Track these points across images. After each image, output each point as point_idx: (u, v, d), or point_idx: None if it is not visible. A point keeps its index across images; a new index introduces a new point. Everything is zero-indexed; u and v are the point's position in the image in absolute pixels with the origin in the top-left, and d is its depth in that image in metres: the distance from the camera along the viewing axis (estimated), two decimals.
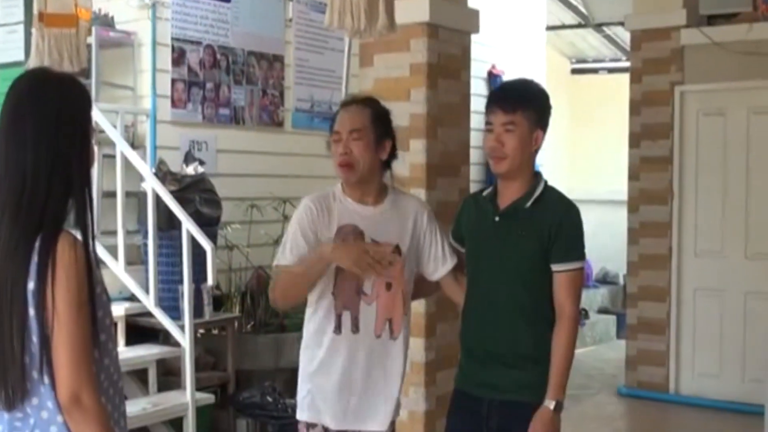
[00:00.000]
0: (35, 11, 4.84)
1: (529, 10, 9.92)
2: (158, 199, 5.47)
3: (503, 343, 2.92)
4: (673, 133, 6.91)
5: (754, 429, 5.57)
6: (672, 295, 6.93)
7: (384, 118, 3.03)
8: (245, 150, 6.97)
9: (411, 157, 4.76)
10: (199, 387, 5.48)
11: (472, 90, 5.11)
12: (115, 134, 5.65)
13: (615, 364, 7.95)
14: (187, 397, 5.31)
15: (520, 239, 2.90)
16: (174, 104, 6.53)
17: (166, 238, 5.62)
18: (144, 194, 5.59)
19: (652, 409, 6.82)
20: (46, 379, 1.95)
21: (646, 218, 7.05)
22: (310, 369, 2.98)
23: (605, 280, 10.67)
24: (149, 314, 5.55)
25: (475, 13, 5.04)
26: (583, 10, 10.50)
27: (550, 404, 2.84)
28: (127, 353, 5.42)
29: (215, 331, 6.36)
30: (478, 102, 4.55)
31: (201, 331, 6.07)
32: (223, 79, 6.89)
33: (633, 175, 7.16)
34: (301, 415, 3.01)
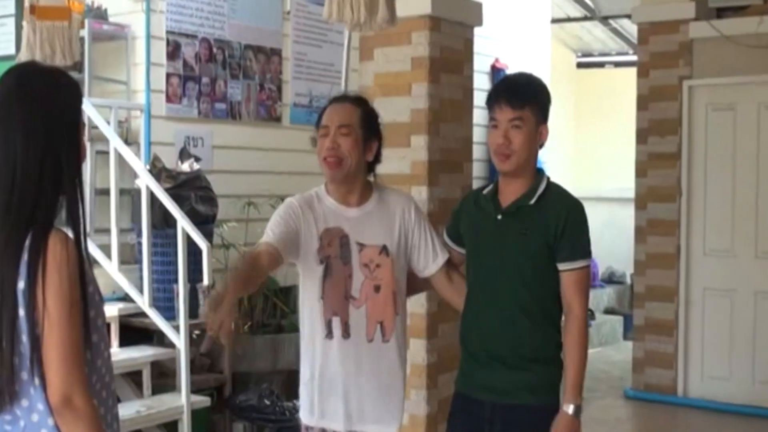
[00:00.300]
0: (26, 3, 4.85)
1: (534, 3, 9.92)
2: (153, 197, 5.47)
3: (507, 344, 2.91)
4: (682, 129, 6.90)
5: None
6: (680, 295, 6.92)
7: (373, 120, 3.03)
8: (242, 146, 6.97)
9: (412, 154, 4.75)
10: (195, 389, 5.48)
11: (475, 85, 5.11)
12: (108, 130, 5.65)
13: (622, 366, 7.95)
14: (182, 400, 5.31)
15: (523, 237, 2.89)
16: (169, 99, 6.52)
17: (161, 236, 5.62)
18: (138, 191, 5.59)
19: (659, 413, 6.82)
20: (37, 381, 1.94)
21: (653, 216, 7.04)
22: (307, 375, 2.98)
23: (612, 279, 10.66)
24: (143, 315, 5.55)
25: (478, 6, 5.04)
26: (589, 2, 10.50)
27: (568, 408, 2.83)
28: (120, 354, 5.42)
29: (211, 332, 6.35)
30: (480, 97, 4.53)
31: (196, 332, 6.06)
32: (220, 74, 6.89)
33: (640, 172, 7.15)
34: (304, 418, 3.02)
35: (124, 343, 5.63)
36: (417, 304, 4.51)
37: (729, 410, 6.58)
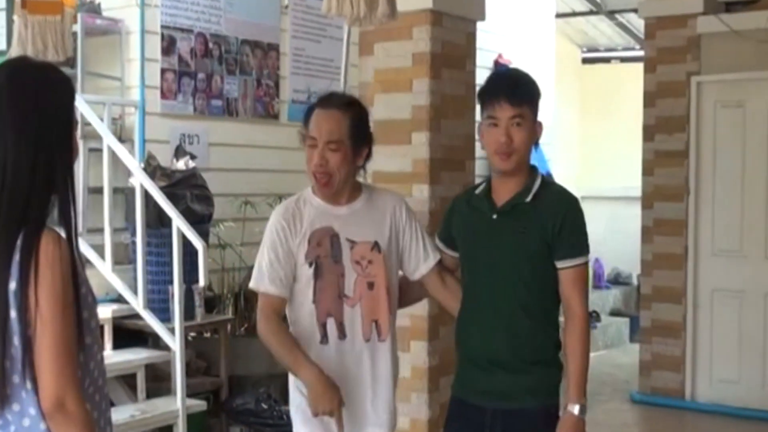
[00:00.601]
0: None
1: None
2: (147, 196, 5.47)
3: (507, 347, 2.91)
4: (690, 126, 6.90)
5: None
6: (688, 297, 6.92)
7: (363, 123, 3.01)
8: (239, 143, 6.97)
9: (413, 152, 4.76)
10: (190, 393, 5.49)
11: (478, 80, 5.10)
12: (101, 127, 5.65)
13: (628, 369, 7.95)
14: (177, 404, 5.31)
15: (521, 236, 2.90)
16: (164, 95, 6.53)
17: (156, 236, 5.62)
18: (132, 190, 5.59)
19: (667, 417, 6.82)
20: (28, 384, 1.94)
21: (660, 215, 7.04)
22: (299, 381, 2.95)
23: (617, 280, 10.66)
24: (137, 316, 5.55)
25: (480, 0, 5.04)
26: None
27: (574, 409, 2.84)
28: (114, 357, 5.42)
29: (207, 334, 6.36)
30: None
31: (192, 334, 6.07)
32: (216, 69, 6.89)
33: (647, 170, 7.15)
34: (296, 426, 3.00)
35: (117, 345, 5.63)
36: (419, 305, 4.50)
37: (738, 414, 6.58)
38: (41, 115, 2.00)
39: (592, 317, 9.06)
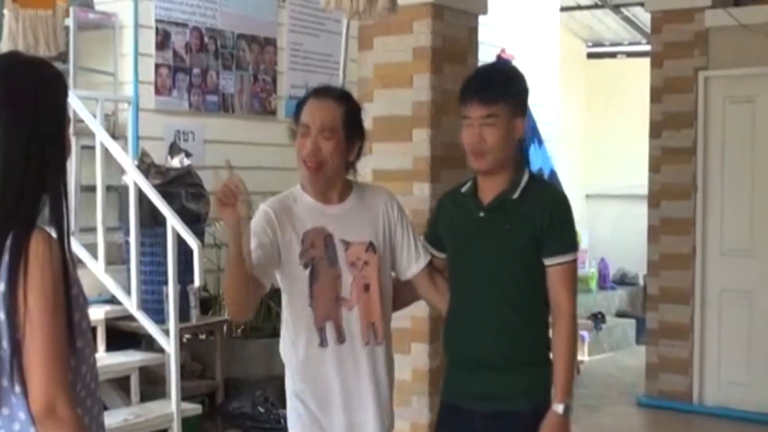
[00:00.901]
0: None
1: None
2: (141, 194, 5.47)
3: (496, 347, 2.91)
4: (697, 123, 6.90)
5: None
6: (696, 298, 6.92)
7: (357, 117, 2.99)
8: (235, 140, 6.97)
9: (414, 149, 4.75)
10: (185, 396, 5.49)
11: None
12: (94, 124, 5.65)
13: (634, 371, 7.95)
14: (171, 408, 5.31)
15: (508, 234, 2.90)
16: (158, 91, 6.53)
17: (150, 235, 5.62)
18: (125, 188, 5.59)
19: (674, 421, 6.82)
20: (18, 388, 1.94)
21: (667, 214, 7.04)
22: (297, 387, 2.94)
23: (623, 281, 10.66)
24: (131, 318, 5.55)
25: None
26: None
27: (558, 408, 2.84)
28: (107, 360, 5.42)
29: (202, 336, 6.36)
30: None
31: (187, 335, 6.07)
32: (211, 64, 6.89)
33: (654, 168, 7.15)
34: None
35: (110, 347, 5.63)
36: (420, 307, 4.50)
37: (747, 418, 6.58)
38: (33, 112, 1.99)
39: (597, 318, 9.16)
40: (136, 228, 5.47)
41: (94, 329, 5.44)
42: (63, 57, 6.06)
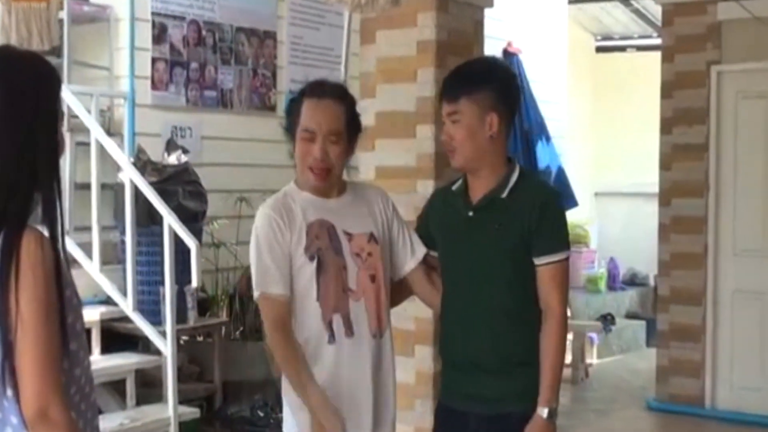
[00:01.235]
0: None
1: None
2: (137, 192, 5.47)
3: (488, 348, 2.93)
4: (710, 118, 6.89)
5: None
6: (708, 299, 6.91)
7: (356, 114, 3.01)
8: (233, 137, 6.97)
9: (418, 146, 4.75)
10: (182, 400, 5.49)
11: None
12: (89, 120, 5.65)
13: (644, 375, 7.95)
14: (169, 412, 5.31)
15: (497, 233, 2.91)
16: (154, 86, 6.53)
17: (146, 234, 5.62)
18: (121, 186, 5.59)
19: (685, 425, 6.81)
20: (10, 392, 1.94)
21: (679, 213, 7.03)
22: (294, 401, 2.92)
23: (633, 281, 10.65)
24: (127, 319, 5.55)
25: None
26: None
27: (542, 412, 2.85)
28: (102, 362, 5.42)
29: (200, 338, 6.36)
30: None
31: (184, 337, 6.07)
32: (209, 59, 6.89)
33: (664, 165, 7.14)
34: None
35: (106, 350, 5.64)
36: (422, 308, 4.50)
37: (760, 423, 6.58)
38: (24, 107, 1.99)
39: (606, 320, 9.16)
40: (132, 227, 5.47)
41: (89, 331, 5.44)
42: (57, 51, 6.06)
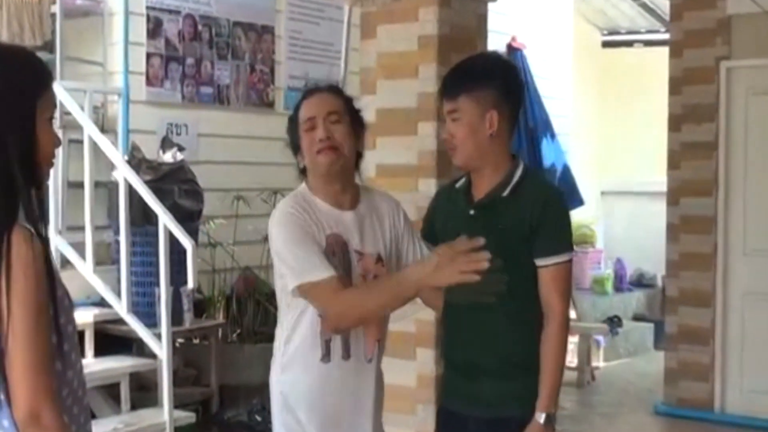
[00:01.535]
0: None
1: None
2: (131, 190, 5.47)
3: (487, 351, 2.93)
4: (719, 115, 6.89)
5: None
6: (717, 300, 6.91)
7: (356, 108, 3.02)
8: (230, 134, 6.97)
9: (419, 143, 4.75)
10: (178, 404, 5.49)
11: None
12: (82, 116, 5.65)
13: (652, 378, 7.95)
14: (164, 416, 5.31)
15: (499, 233, 2.90)
16: (149, 82, 6.53)
17: (141, 234, 5.62)
18: (115, 185, 5.59)
19: (694, 430, 6.81)
20: (1, 396, 1.94)
21: (687, 212, 7.03)
22: (290, 401, 2.93)
23: (641, 282, 10.65)
24: (121, 321, 5.55)
25: None
26: None
27: (540, 417, 2.85)
28: (95, 365, 5.43)
29: (196, 341, 6.36)
30: None
31: (180, 340, 6.07)
32: (206, 54, 6.89)
33: (673, 163, 7.14)
34: None
35: (99, 352, 5.64)
36: (426, 310, 4.50)
37: None
38: (16, 104, 1.99)
39: (613, 322, 9.16)
40: (127, 226, 5.47)
41: (82, 333, 5.45)
42: (49, 46, 6.06)
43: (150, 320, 5.52)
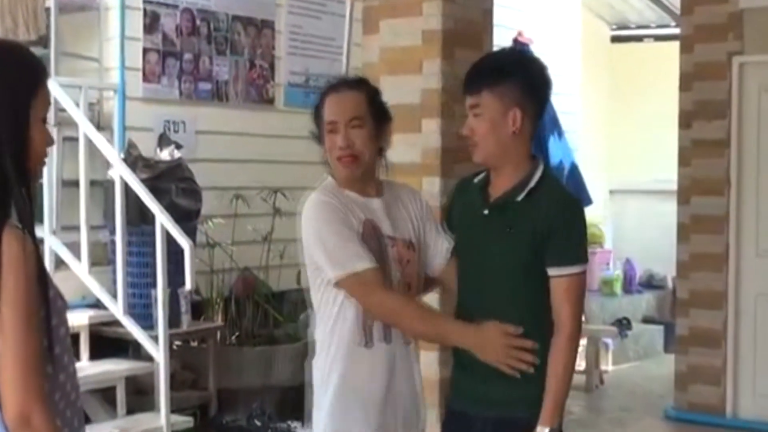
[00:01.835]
0: None
1: None
2: (128, 189, 5.47)
3: None
4: (731, 112, 6.88)
5: None
6: (729, 302, 6.91)
7: (379, 99, 3.08)
8: (229, 131, 6.97)
9: (423, 140, 4.74)
10: (175, 408, 5.49)
11: None
12: (77, 113, 5.65)
13: (662, 382, 7.94)
14: (161, 421, 5.31)
15: (509, 237, 2.91)
16: (146, 78, 6.53)
17: (137, 234, 5.63)
18: (111, 183, 5.59)
19: None
20: None
21: (698, 211, 7.02)
22: (338, 390, 2.99)
23: (651, 283, 10.65)
24: (117, 323, 5.56)
25: None
26: None
27: (543, 431, 2.85)
28: (90, 369, 5.43)
29: (194, 343, 6.36)
30: None
31: (177, 342, 6.07)
32: (204, 49, 6.89)
33: (683, 161, 7.14)
34: None
35: (95, 355, 5.64)
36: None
37: None
38: (7, 101, 1.99)
39: (622, 325, 9.16)
40: (123, 226, 5.47)
41: (77, 336, 5.45)
42: (44, 41, 6.06)
43: (147, 322, 5.53)
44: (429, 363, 4.71)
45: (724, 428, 6.83)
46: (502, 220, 2.93)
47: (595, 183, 9.33)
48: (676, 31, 8.22)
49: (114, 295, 5.53)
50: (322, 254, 2.91)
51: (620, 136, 11.21)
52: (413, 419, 3.08)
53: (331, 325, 2.98)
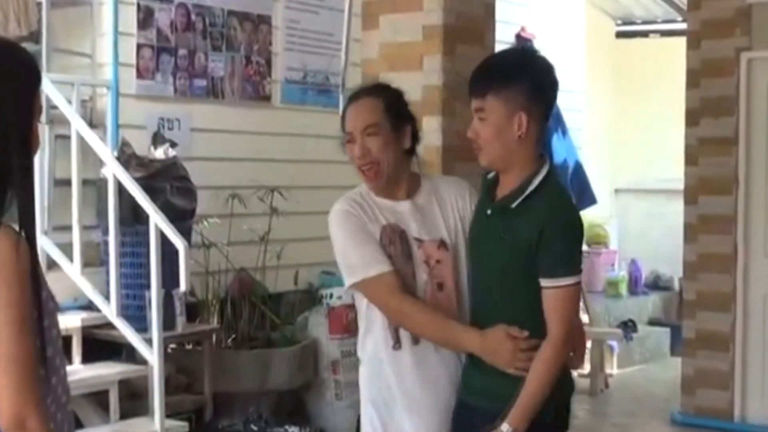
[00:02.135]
0: None
1: None
2: (121, 188, 5.47)
3: None
4: (739, 109, 6.89)
5: None
6: (737, 304, 6.91)
7: (399, 102, 3.17)
8: (225, 129, 6.96)
9: (424, 138, 4.70)
10: (170, 413, 5.49)
11: None
12: (69, 110, 5.65)
13: (668, 385, 7.95)
14: (155, 425, 5.31)
15: (503, 243, 2.94)
16: (140, 74, 6.52)
17: (131, 234, 5.62)
18: (104, 182, 5.59)
19: None
20: None
21: (706, 211, 7.03)
22: (372, 393, 3.13)
23: (657, 285, 10.66)
24: (110, 326, 5.55)
25: None
26: None
27: (504, 428, 2.86)
28: (83, 372, 5.43)
29: (189, 346, 6.36)
30: None
31: (172, 345, 6.07)
32: (199, 45, 6.88)
33: (690, 160, 7.14)
34: None
35: (87, 358, 5.64)
36: None
37: None
38: (18, 99, 2.00)
39: (627, 327, 9.16)
40: (116, 226, 5.47)
41: (69, 338, 5.45)
42: (35, 36, 6.05)
43: (140, 324, 5.52)
44: None
45: None
46: (499, 223, 2.96)
47: (599, 182, 9.34)
48: (683, 26, 8.23)
49: (107, 297, 5.53)
50: (340, 262, 3.10)
51: (626, 134, 11.22)
52: (444, 417, 3.12)
53: (365, 327, 3.15)
